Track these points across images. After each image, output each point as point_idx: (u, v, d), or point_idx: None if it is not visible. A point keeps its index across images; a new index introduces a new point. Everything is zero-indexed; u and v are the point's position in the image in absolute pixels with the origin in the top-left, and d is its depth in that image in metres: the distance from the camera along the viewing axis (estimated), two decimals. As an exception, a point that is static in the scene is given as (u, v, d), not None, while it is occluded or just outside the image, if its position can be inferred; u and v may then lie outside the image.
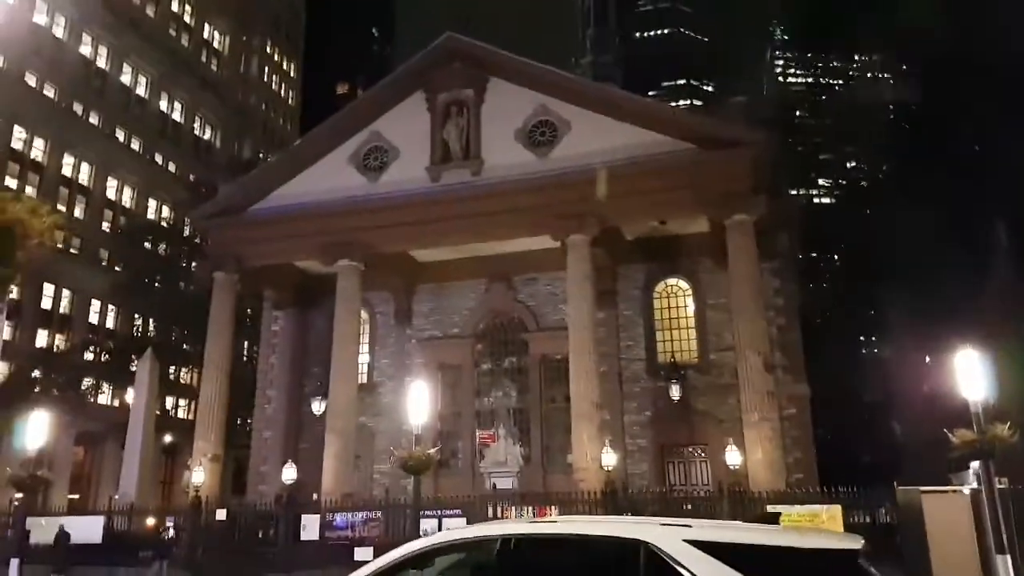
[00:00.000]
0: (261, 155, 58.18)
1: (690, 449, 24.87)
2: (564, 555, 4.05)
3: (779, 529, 4.39)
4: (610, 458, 20.40)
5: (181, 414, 47.22)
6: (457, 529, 4.80)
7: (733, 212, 21.39)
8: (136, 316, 46.06)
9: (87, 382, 40.67)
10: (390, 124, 25.67)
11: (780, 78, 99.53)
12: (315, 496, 23.61)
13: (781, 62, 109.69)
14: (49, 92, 43.09)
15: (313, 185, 25.42)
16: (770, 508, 18.77)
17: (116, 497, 25.08)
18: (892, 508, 18.54)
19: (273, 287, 28.57)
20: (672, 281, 26.21)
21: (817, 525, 18.46)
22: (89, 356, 42.16)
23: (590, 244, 22.78)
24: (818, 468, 23.19)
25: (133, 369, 42.19)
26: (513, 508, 20.49)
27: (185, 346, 44.41)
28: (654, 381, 25.30)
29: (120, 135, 48.18)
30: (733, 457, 19.93)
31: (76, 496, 38.56)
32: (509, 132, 24.18)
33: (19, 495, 19.44)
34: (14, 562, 16.85)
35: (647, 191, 22.11)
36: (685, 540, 3.42)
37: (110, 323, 46.37)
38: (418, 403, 18.34)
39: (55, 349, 41.18)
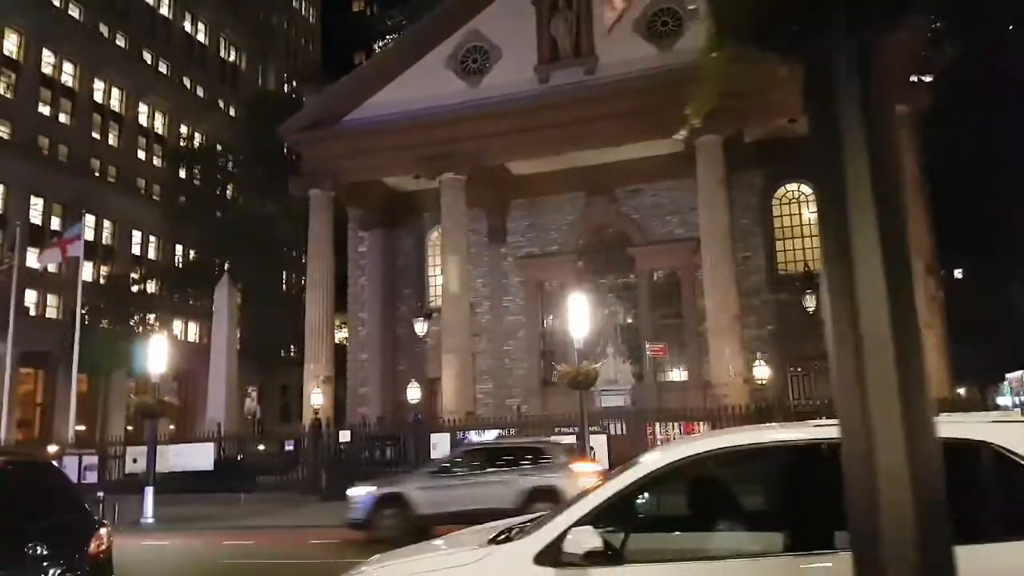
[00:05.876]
0: (286, 76, 55.50)
1: (816, 362, 23.72)
2: None
3: None
4: (763, 371, 19.23)
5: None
6: (730, 434, 4.30)
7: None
8: (177, 246, 44.59)
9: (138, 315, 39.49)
10: (490, 21, 23.48)
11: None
12: (417, 415, 22.73)
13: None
14: (74, 12, 40.43)
15: (409, 92, 23.35)
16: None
17: (214, 423, 24.42)
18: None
19: (359, 206, 26.81)
20: (793, 187, 24.58)
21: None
22: (134, 289, 40.73)
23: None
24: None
25: (175, 300, 41.20)
26: (657, 425, 19.56)
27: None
28: (775, 293, 24.01)
29: (148, 58, 45.62)
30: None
31: (173, 427, 38.24)
32: (626, 23, 22.06)
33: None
34: (148, 491, 16.01)
35: (790, 81, 20.16)
36: None
37: (152, 254, 44.88)
38: (579, 316, 17.26)
39: (101, 281, 39.78)
